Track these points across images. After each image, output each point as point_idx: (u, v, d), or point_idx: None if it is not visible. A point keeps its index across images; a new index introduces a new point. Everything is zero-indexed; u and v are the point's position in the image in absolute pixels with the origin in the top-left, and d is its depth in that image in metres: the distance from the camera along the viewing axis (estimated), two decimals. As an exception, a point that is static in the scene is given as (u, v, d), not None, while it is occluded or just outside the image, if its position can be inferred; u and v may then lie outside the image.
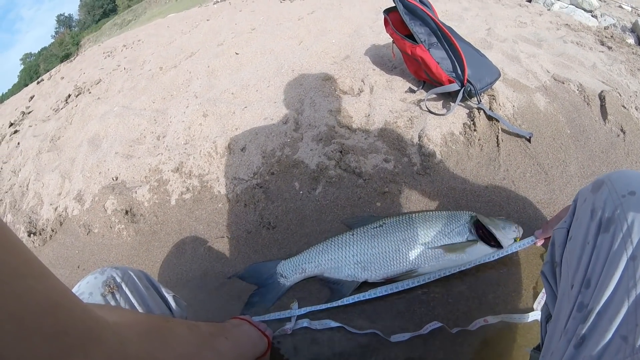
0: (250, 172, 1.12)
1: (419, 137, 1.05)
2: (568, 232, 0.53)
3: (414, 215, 0.86)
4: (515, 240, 0.83)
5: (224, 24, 2.14)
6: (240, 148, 1.19)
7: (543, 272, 0.59)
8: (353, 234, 0.88)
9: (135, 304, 0.56)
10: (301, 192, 1.03)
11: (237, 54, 1.59)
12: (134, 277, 0.59)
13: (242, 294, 0.87)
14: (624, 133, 1.21)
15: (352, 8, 1.97)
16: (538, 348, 0.61)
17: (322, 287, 0.85)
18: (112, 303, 0.52)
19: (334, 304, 0.79)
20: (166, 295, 0.63)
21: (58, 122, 1.78)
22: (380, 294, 0.79)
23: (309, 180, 1.03)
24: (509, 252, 0.80)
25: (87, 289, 0.53)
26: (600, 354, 0.37)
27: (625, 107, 1.30)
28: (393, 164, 1.01)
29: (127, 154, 1.35)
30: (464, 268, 0.81)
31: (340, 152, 1.03)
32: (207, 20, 2.34)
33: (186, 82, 1.69)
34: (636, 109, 1.32)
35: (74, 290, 0.54)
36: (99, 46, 3.11)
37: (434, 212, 0.87)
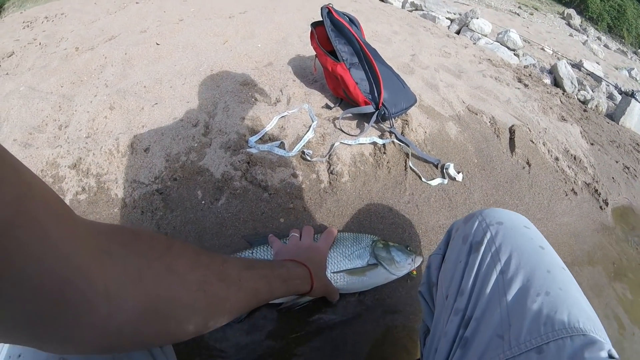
0: (151, 176, 1.03)
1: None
2: (443, 257, 0.61)
3: (316, 236, 0.84)
4: (411, 273, 0.85)
5: (152, 10, 1.99)
6: (143, 148, 1.09)
7: (420, 292, 0.65)
8: (252, 252, 0.84)
9: None
10: (203, 202, 0.96)
11: (157, 44, 1.47)
12: None
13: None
14: (530, 166, 1.30)
15: (286, 14, 1.93)
16: None
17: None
18: None
19: None
20: None
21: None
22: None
23: (213, 190, 0.97)
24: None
25: None
26: (483, 351, 0.43)
27: (534, 142, 1.41)
28: (301, 179, 0.99)
29: (26, 142, 1.19)
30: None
31: (248, 162, 0.98)
32: (137, 2, 2.17)
33: (100, 67, 1.54)
34: (543, 144, 1.43)
35: None
36: (20, 13, 2.77)
37: (337, 234, 0.86)
